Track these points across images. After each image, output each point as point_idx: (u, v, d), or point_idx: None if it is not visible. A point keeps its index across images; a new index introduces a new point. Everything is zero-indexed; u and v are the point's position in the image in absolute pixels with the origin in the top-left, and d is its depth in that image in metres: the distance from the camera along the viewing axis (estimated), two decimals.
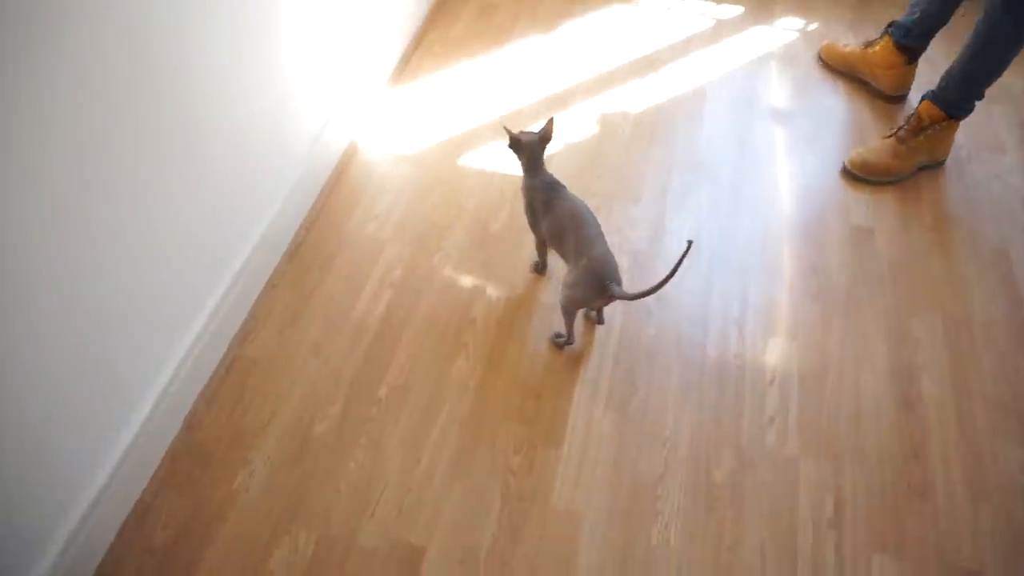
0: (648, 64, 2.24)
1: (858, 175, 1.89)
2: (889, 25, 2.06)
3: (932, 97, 1.84)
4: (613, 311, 1.58)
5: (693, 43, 2.31)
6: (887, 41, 2.04)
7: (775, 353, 1.54)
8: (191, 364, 1.38)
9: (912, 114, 1.86)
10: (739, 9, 2.45)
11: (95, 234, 1.09)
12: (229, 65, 1.35)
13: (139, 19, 1.08)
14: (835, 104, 2.13)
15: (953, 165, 1.93)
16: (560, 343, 1.52)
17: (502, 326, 1.56)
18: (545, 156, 1.50)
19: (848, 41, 2.22)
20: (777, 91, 2.16)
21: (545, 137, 1.48)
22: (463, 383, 1.47)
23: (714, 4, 2.47)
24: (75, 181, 1.02)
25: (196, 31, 1.23)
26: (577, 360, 1.51)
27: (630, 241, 1.73)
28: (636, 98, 2.12)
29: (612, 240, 1.71)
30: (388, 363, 1.50)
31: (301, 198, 1.72)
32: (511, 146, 1.49)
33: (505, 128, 1.50)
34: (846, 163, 1.91)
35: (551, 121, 1.47)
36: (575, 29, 2.35)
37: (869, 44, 2.11)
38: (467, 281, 1.64)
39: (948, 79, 1.81)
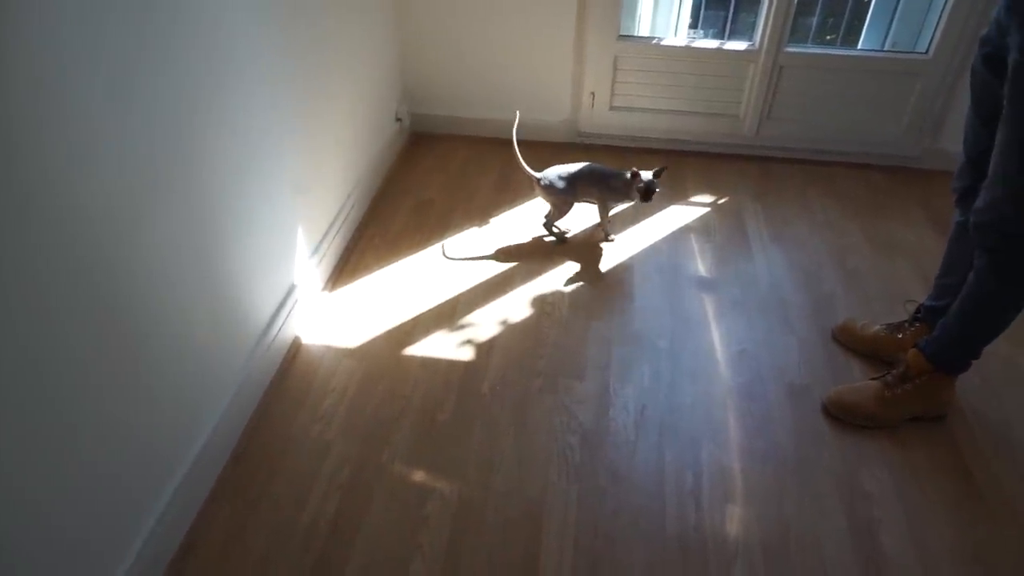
0: (578, 245, 2.38)
1: (836, 415, 1.76)
2: (917, 311, 1.89)
3: (923, 348, 1.70)
4: (568, 496, 1.56)
5: (616, 223, 2.48)
6: (922, 327, 1.85)
7: (734, 522, 1.52)
8: None
9: (902, 362, 1.74)
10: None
11: (18, 456, 1.04)
12: (172, 271, 1.38)
13: (79, 222, 1.11)
14: (755, 269, 2.28)
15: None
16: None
17: (456, 522, 1.51)
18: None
19: (863, 322, 1.98)
20: (700, 261, 2.31)
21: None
22: None
23: None
24: None
25: (138, 234, 1.26)
26: (536, 550, 1.46)
27: (578, 419, 1.74)
28: (570, 277, 2.23)
29: (561, 420, 1.74)
30: (340, 574, 1.41)
31: (243, 403, 1.70)
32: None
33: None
34: (824, 400, 1.79)
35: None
36: (508, 219, 2.51)
37: (896, 328, 1.90)
38: (418, 476, 1.60)
39: (942, 335, 1.67)
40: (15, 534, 1.05)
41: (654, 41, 2.78)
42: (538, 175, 2.29)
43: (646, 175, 2.20)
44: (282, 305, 1.87)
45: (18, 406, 1.03)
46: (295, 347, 1.94)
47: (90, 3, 1.09)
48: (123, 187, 1.21)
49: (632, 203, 2.36)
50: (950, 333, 1.65)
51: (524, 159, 2.28)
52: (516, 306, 2.11)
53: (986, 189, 1.45)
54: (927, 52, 2.60)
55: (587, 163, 2.32)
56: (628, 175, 2.24)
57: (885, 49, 2.93)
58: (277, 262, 1.85)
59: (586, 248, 2.37)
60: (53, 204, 1.05)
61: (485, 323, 2.04)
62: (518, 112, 2.32)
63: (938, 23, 2.54)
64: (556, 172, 2.29)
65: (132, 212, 1.24)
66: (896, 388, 1.71)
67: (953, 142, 2.70)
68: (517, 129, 2.30)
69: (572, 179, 2.28)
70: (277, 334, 1.84)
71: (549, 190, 2.30)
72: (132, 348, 1.28)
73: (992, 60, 1.45)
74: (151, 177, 1.28)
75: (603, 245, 2.39)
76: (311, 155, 2.02)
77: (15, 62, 0.96)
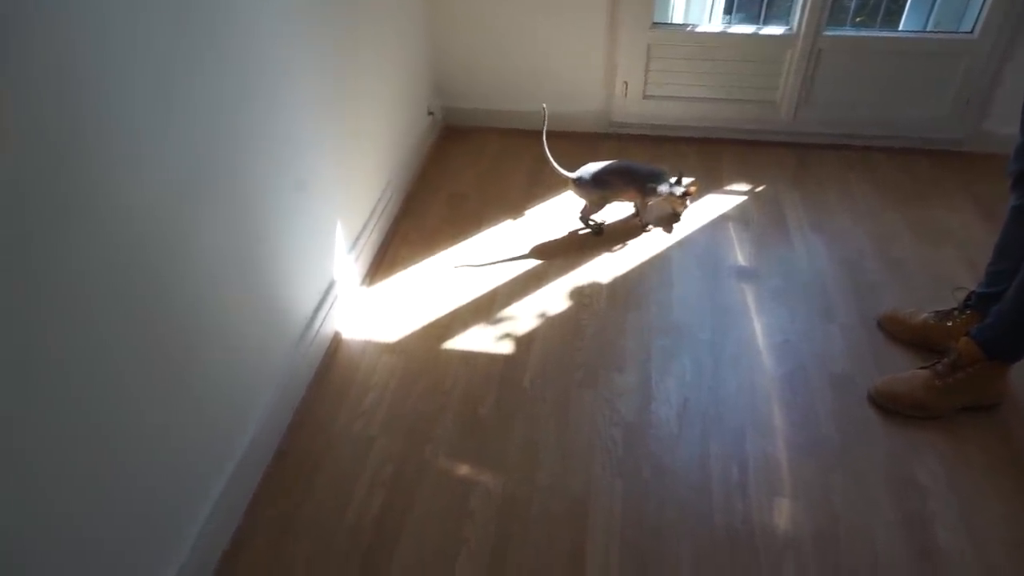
0: (615, 235, 2.36)
1: (883, 405, 1.72)
2: (968, 298, 1.83)
3: (976, 336, 1.65)
4: (612, 489, 1.55)
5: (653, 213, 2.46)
6: (972, 315, 1.79)
7: (782, 515, 1.50)
8: None
9: (953, 350, 1.68)
10: (690, 178, 2.63)
11: (58, 457, 1.05)
12: (216, 270, 1.39)
13: (124, 222, 1.12)
14: (794, 257, 2.24)
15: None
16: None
17: (501, 515, 1.51)
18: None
19: (911, 310, 1.93)
20: (739, 251, 2.28)
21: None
22: None
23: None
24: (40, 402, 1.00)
25: (183, 233, 1.27)
26: (582, 544, 1.45)
27: (619, 412, 1.73)
28: (607, 269, 2.21)
29: (603, 413, 1.73)
30: (387, 571, 1.42)
31: (287, 400, 1.72)
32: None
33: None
34: (871, 391, 1.75)
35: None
36: (543, 211, 2.50)
37: (946, 315, 1.85)
38: (461, 471, 1.60)
39: (996, 322, 1.62)
40: (55, 537, 1.06)
41: (688, 28, 2.74)
42: (572, 175, 2.29)
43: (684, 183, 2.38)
44: (323, 301, 1.89)
45: (63, 406, 1.03)
46: (336, 343, 1.95)
47: (134, 6, 1.10)
48: (168, 190, 1.22)
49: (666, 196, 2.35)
50: (1004, 320, 1.60)
51: (557, 149, 2.26)
52: (554, 299, 2.10)
53: None
54: (972, 32, 2.52)
55: (620, 160, 2.32)
56: (670, 184, 2.34)
57: (928, 30, 2.85)
58: (317, 258, 1.86)
59: (623, 239, 2.36)
60: (99, 205, 1.06)
61: (523, 316, 2.04)
62: (545, 107, 2.27)
63: (984, 2, 2.46)
64: (590, 170, 2.28)
65: (177, 213, 1.25)
66: (947, 377, 1.67)
67: (1000, 124, 2.63)
68: (547, 122, 2.27)
69: (605, 176, 2.27)
70: (319, 330, 1.85)
71: (583, 188, 2.29)
72: (176, 349, 1.29)
73: None
74: (195, 179, 1.30)
75: (640, 235, 2.37)
76: (346, 151, 2.02)
77: (60, 66, 0.97)
